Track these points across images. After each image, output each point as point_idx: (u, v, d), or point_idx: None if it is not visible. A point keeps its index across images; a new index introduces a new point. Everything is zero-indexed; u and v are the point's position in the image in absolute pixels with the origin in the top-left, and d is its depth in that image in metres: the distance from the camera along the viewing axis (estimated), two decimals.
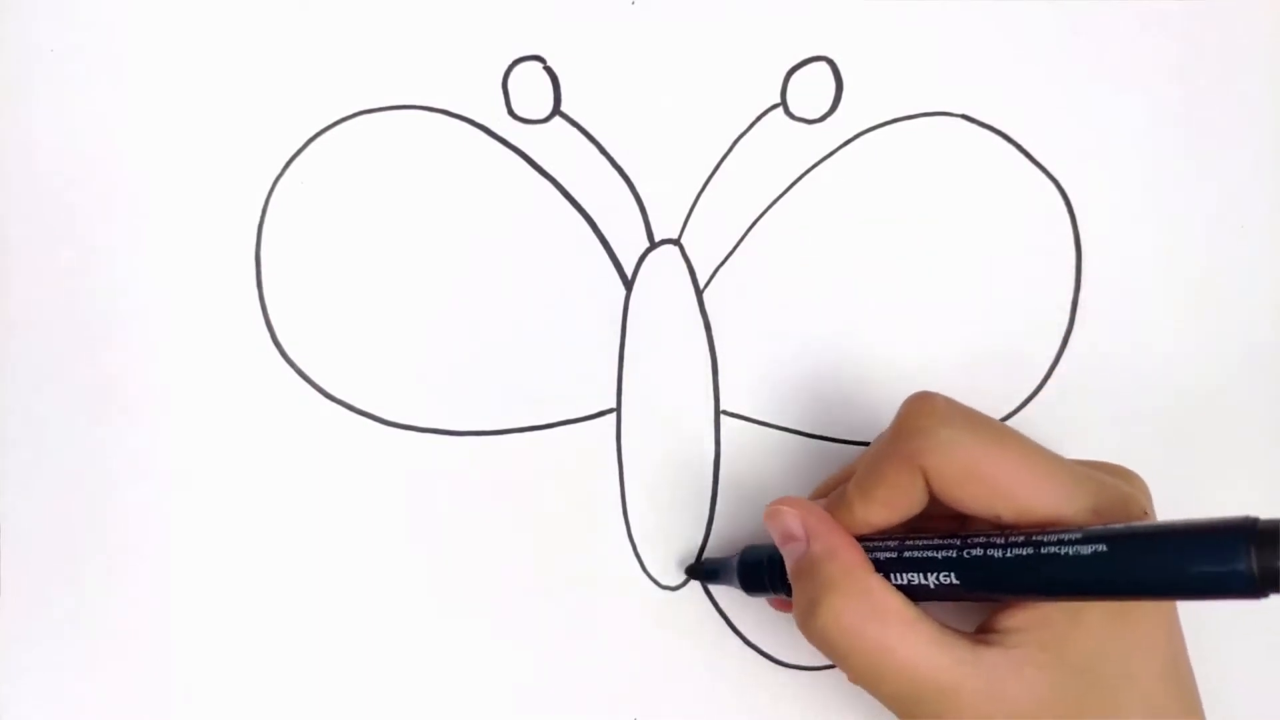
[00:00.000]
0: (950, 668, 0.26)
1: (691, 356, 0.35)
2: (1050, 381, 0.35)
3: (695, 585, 0.35)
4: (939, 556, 0.26)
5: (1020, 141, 0.35)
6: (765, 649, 0.35)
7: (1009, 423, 0.35)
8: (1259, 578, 0.21)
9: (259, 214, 0.35)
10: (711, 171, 0.35)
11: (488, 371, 0.35)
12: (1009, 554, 0.25)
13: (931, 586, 0.27)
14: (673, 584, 0.35)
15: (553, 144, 0.35)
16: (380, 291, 0.35)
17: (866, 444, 0.35)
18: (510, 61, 0.35)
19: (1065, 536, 0.24)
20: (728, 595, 0.35)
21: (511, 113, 0.35)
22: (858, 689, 0.33)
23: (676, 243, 0.35)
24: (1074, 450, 0.35)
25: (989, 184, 0.35)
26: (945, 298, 0.35)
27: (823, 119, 0.35)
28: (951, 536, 0.27)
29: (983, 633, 0.27)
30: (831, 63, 0.35)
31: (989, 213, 0.35)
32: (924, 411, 0.27)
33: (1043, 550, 0.25)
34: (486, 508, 0.35)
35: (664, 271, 0.35)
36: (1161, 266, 0.35)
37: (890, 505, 0.28)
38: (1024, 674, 0.26)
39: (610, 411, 0.35)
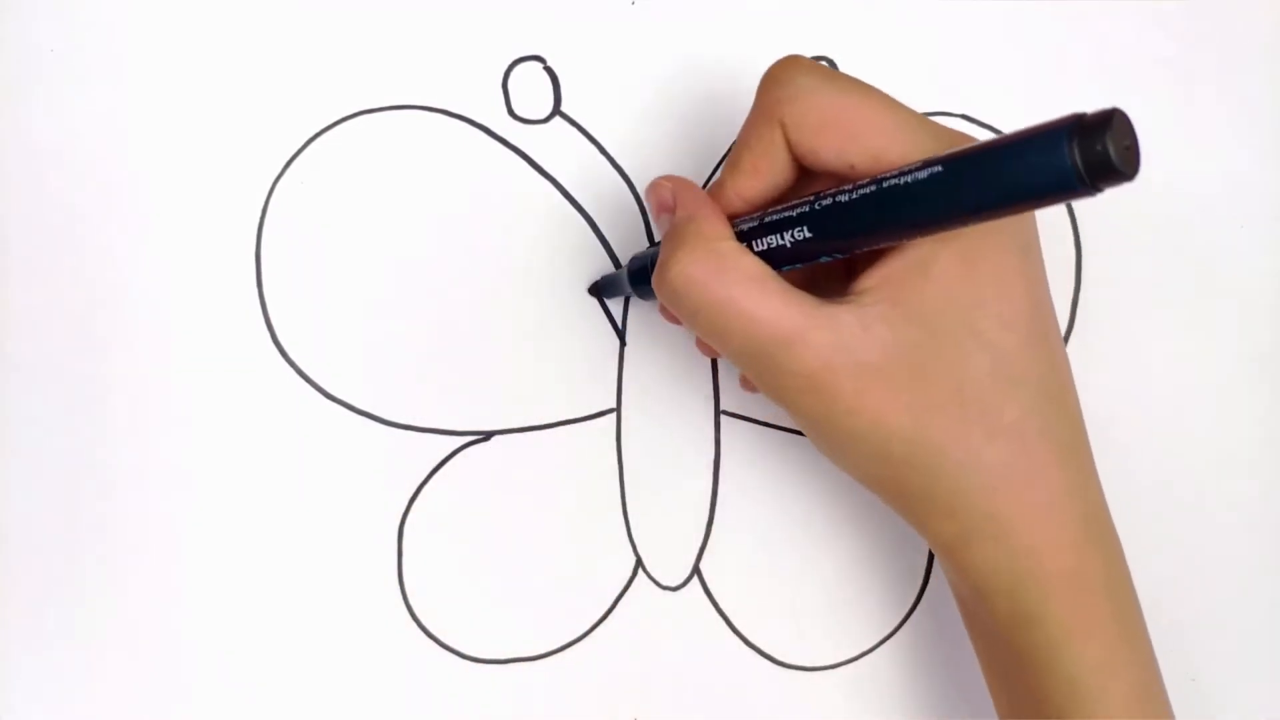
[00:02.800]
0: (795, 319, 0.26)
1: (691, 356, 0.35)
2: None
3: (695, 585, 0.35)
4: (794, 214, 0.26)
5: None
6: (765, 649, 0.35)
7: None
8: (1084, 169, 0.20)
9: (259, 214, 0.35)
10: (712, 171, 0.35)
11: (488, 371, 0.35)
12: (856, 195, 0.25)
13: (789, 245, 0.27)
14: (673, 584, 0.35)
15: (553, 144, 0.35)
16: (380, 291, 0.35)
17: None
18: (510, 61, 0.35)
19: (906, 168, 0.24)
20: (728, 595, 0.35)
21: (511, 113, 0.35)
22: (858, 689, 0.33)
23: None
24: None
25: None
26: None
27: None
28: (809, 196, 0.27)
29: (838, 300, 0.27)
30: (831, 63, 0.35)
31: None
32: (783, 67, 0.28)
33: (885, 185, 0.24)
34: (487, 507, 0.35)
35: None
36: (1161, 266, 0.35)
37: (756, 172, 0.28)
38: (873, 329, 0.26)
39: (610, 411, 0.35)
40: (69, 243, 0.34)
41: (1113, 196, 0.35)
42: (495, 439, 0.35)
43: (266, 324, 0.35)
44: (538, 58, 0.35)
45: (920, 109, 0.35)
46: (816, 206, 0.26)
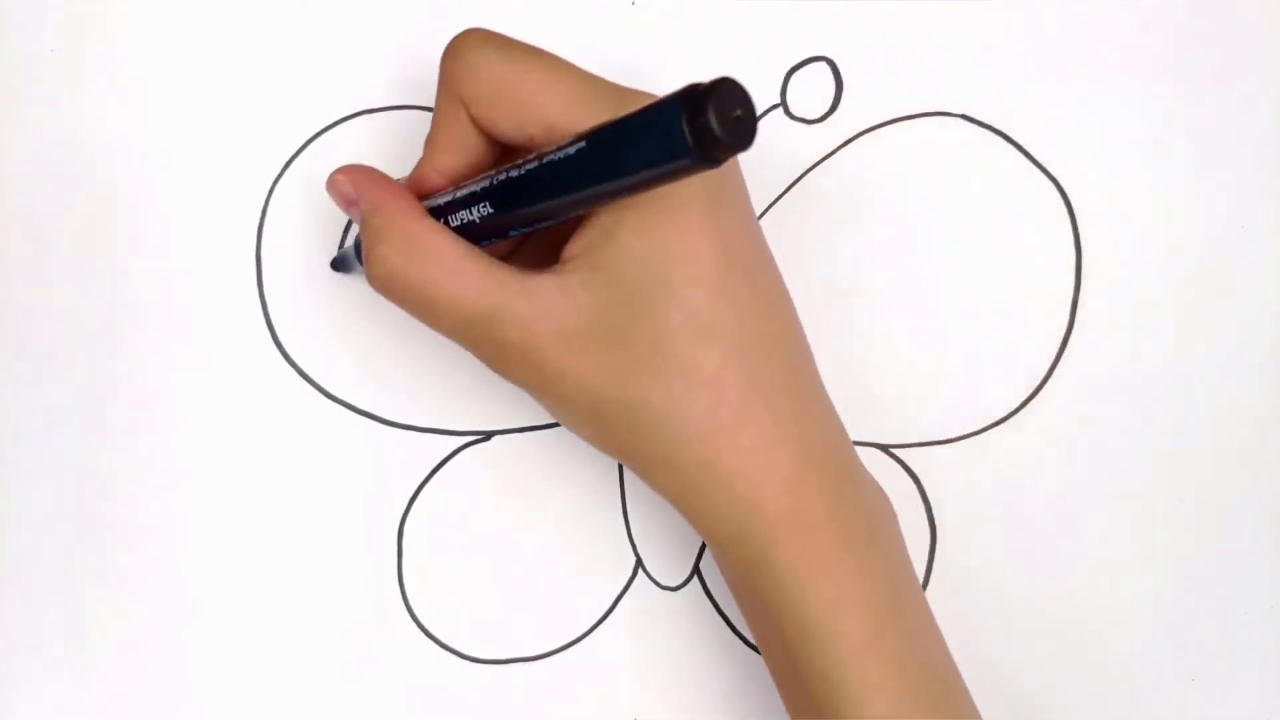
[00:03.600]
0: (496, 292, 0.27)
1: None
2: (1050, 381, 0.35)
3: (695, 585, 0.35)
4: (478, 189, 0.27)
5: (1020, 141, 0.35)
6: None
7: (1008, 423, 0.35)
8: (691, 141, 0.20)
9: (259, 214, 0.35)
10: None
11: (488, 371, 0.35)
12: (523, 170, 0.25)
13: (478, 221, 0.27)
14: (673, 584, 0.35)
15: None
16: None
17: (866, 443, 0.35)
18: None
19: (563, 143, 0.24)
20: (728, 595, 0.35)
21: None
22: None
23: None
24: (1078, 450, 0.35)
25: (989, 184, 0.35)
26: (945, 298, 0.35)
27: (823, 119, 0.35)
28: (493, 170, 0.27)
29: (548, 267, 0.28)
30: (831, 63, 0.35)
31: (989, 213, 0.35)
32: (459, 41, 0.28)
33: (544, 160, 0.25)
34: (487, 507, 0.35)
35: None
36: (1162, 267, 0.35)
37: (447, 148, 0.28)
38: (574, 295, 0.27)
39: None
40: (69, 242, 0.34)
41: (1113, 197, 0.35)
42: (495, 439, 0.35)
43: (267, 324, 0.35)
44: None
45: (920, 109, 0.35)
46: (494, 182, 0.26)
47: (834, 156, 0.35)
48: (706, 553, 0.35)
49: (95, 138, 0.34)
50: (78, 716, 0.34)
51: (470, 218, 0.27)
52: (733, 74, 0.21)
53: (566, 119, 0.27)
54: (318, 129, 0.35)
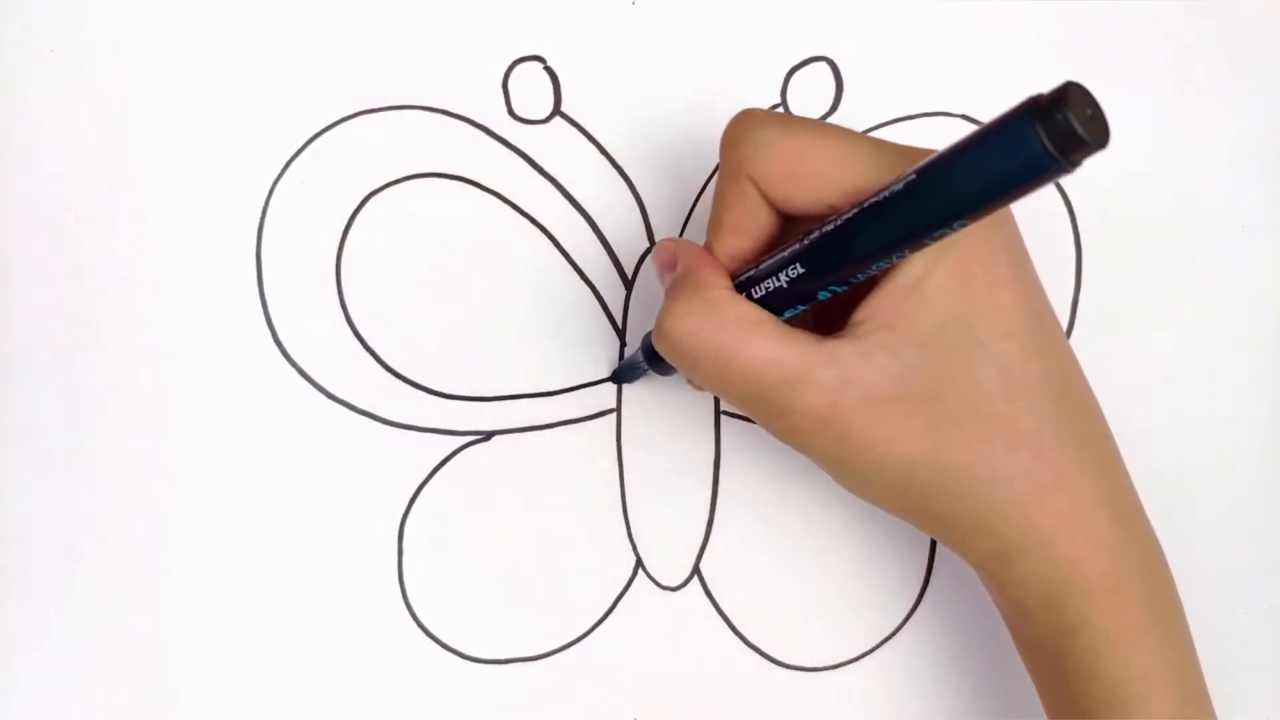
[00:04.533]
0: (795, 358, 0.26)
1: None
2: None
3: (695, 585, 0.35)
4: (785, 254, 0.26)
5: None
6: (765, 649, 0.35)
7: None
8: (1052, 147, 0.20)
9: (259, 214, 0.35)
10: (712, 171, 0.35)
11: (487, 371, 0.35)
12: (839, 222, 0.25)
13: (785, 286, 0.26)
14: (673, 584, 0.35)
15: (553, 144, 0.35)
16: (380, 291, 0.35)
17: None
18: (510, 61, 0.35)
19: (883, 187, 0.24)
20: (728, 595, 0.35)
21: (511, 113, 0.35)
22: (858, 690, 0.33)
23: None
24: None
25: None
26: None
27: (823, 119, 0.35)
28: (797, 238, 0.27)
29: (836, 336, 0.27)
30: (831, 63, 0.35)
31: None
32: (740, 122, 0.28)
33: (866, 205, 0.24)
34: (487, 507, 0.35)
35: None
36: (1161, 267, 0.35)
37: (737, 229, 0.28)
38: (874, 358, 0.26)
39: (610, 411, 0.35)
40: (69, 242, 0.34)
41: (1113, 197, 0.35)
42: (495, 439, 0.35)
43: (267, 324, 0.35)
44: (538, 58, 0.35)
45: (920, 109, 0.35)
46: (805, 242, 0.26)
47: None
48: (706, 553, 0.35)
49: (95, 138, 0.34)
50: (78, 716, 0.34)
51: (777, 284, 0.27)
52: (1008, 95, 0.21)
53: (865, 180, 0.26)
54: (318, 129, 0.35)
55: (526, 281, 0.35)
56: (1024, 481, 0.26)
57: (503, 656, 0.35)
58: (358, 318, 0.35)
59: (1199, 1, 0.35)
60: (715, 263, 0.28)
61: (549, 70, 0.35)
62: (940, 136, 0.35)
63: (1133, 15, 0.35)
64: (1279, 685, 0.35)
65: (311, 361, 0.35)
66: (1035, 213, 0.35)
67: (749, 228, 0.28)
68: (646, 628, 0.35)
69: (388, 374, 0.35)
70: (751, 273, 0.28)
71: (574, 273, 0.35)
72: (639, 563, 0.35)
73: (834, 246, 0.25)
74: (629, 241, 0.35)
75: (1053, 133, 0.20)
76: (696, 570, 0.35)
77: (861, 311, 0.26)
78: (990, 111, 0.36)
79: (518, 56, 0.35)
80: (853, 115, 0.35)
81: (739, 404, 0.27)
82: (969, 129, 0.35)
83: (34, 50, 0.34)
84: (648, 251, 0.35)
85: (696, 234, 0.35)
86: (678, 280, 0.28)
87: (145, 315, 0.34)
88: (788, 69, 0.35)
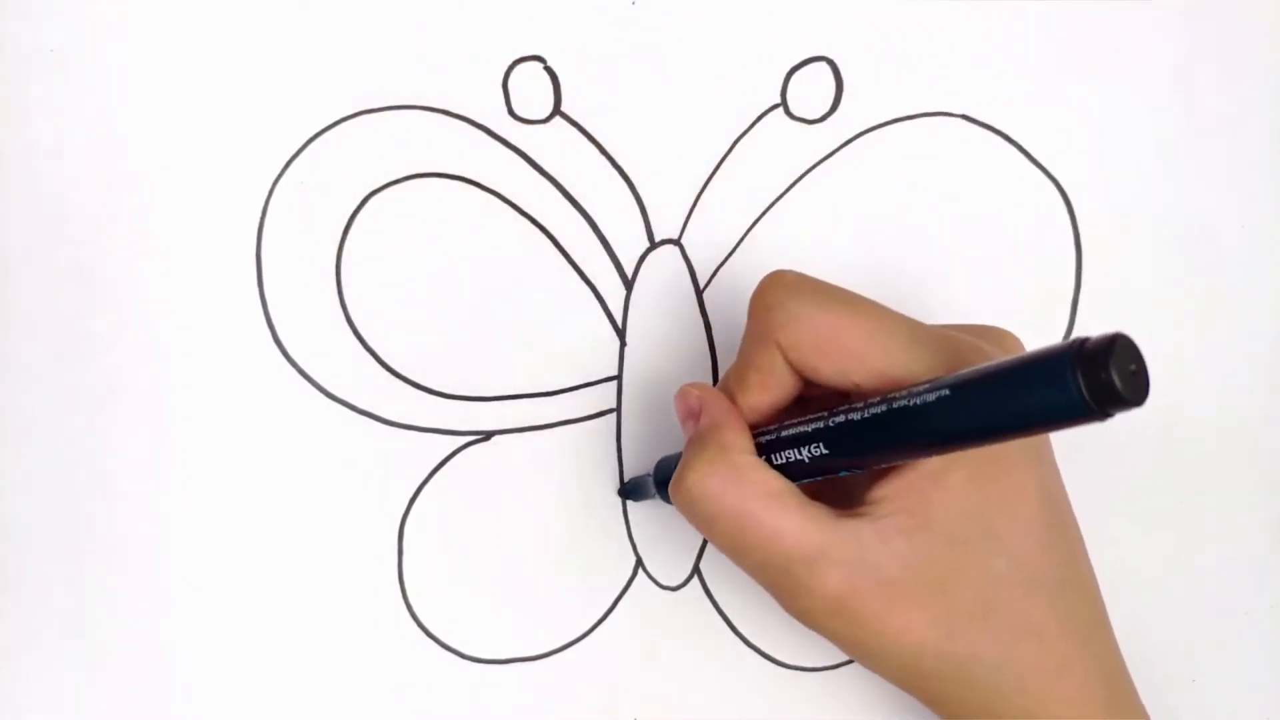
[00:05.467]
0: (816, 535, 0.26)
1: (691, 356, 0.35)
2: None
3: (695, 585, 0.35)
4: (809, 430, 0.27)
5: (1020, 141, 0.35)
6: (765, 649, 0.35)
7: None
8: (1090, 399, 0.20)
9: (259, 214, 0.35)
10: (711, 172, 0.35)
11: (487, 371, 0.35)
12: (867, 414, 0.25)
13: (806, 461, 0.27)
14: (673, 584, 0.35)
15: (553, 144, 0.35)
16: (380, 291, 0.35)
17: None
18: (510, 61, 0.35)
19: (914, 389, 0.24)
20: (728, 595, 0.35)
21: (511, 113, 0.35)
22: (858, 690, 0.33)
23: (676, 243, 0.35)
24: (1077, 451, 0.35)
25: (989, 184, 0.35)
26: (945, 297, 0.35)
27: (823, 119, 0.35)
28: (823, 411, 0.27)
29: (853, 509, 0.27)
30: (831, 63, 0.35)
31: (989, 213, 0.35)
32: (773, 288, 0.28)
33: (894, 405, 0.25)
34: (487, 507, 0.35)
35: (664, 271, 0.35)
36: (1161, 267, 0.35)
37: (762, 387, 0.28)
38: (891, 541, 0.26)
39: (610, 411, 0.35)
40: (69, 242, 0.34)
41: (1113, 197, 0.35)
42: (495, 439, 0.35)
43: (267, 324, 0.35)
44: (538, 58, 0.35)
45: (920, 109, 0.35)
46: (830, 424, 0.26)
47: (834, 156, 0.35)
48: (706, 552, 0.35)
49: (95, 138, 0.34)
50: (78, 716, 0.34)
51: (798, 456, 0.27)
52: (1123, 329, 0.21)
53: (895, 365, 0.26)
54: (318, 129, 0.35)
55: (526, 281, 0.35)
56: (1027, 669, 0.26)
57: (503, 656, 0.35)
58: (358, 318, 0.35)
59: (1199, 2, 0.35)
60: (740, 422, 0.28)
61: (549, 70, 0.35)
62: (940, 136, 0.35)
63: (1133, 15, 0.35)
64: (1279, 685, 0.35)
65: (311, 361, 0.35)
66: (1036, 212, 0.35)
67: (773, 389, 0.28)
68: (646, 628, 0.35)
69: (388, 374, 0.35)
70: (773, 437, 0.28)
71: (574, 273, 0.35)
72: (639, 563, 0.35)
73: (861, 436, 0.25)
74: (629, 241, 0.35)
75: (1093, 384, 0.20)
76: (696, 570, 0.35)
77: (881, 489, 0.26)
78: (989, 111, 0.36)
79: (518, 56, 0.35)
80: (853, 115, 0.35)
81: (752, 572, 0.27)
82: (969, 129, 0.35)
83: (34, 50, 0.34)
84: (648, 251, 0.35)
85: (696, 237, 0.35)
86: (702, 436, 0.28)
87: (145, 315, 0.34)
88: (788, 69, 0.35)
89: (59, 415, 0.34)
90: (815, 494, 0.27)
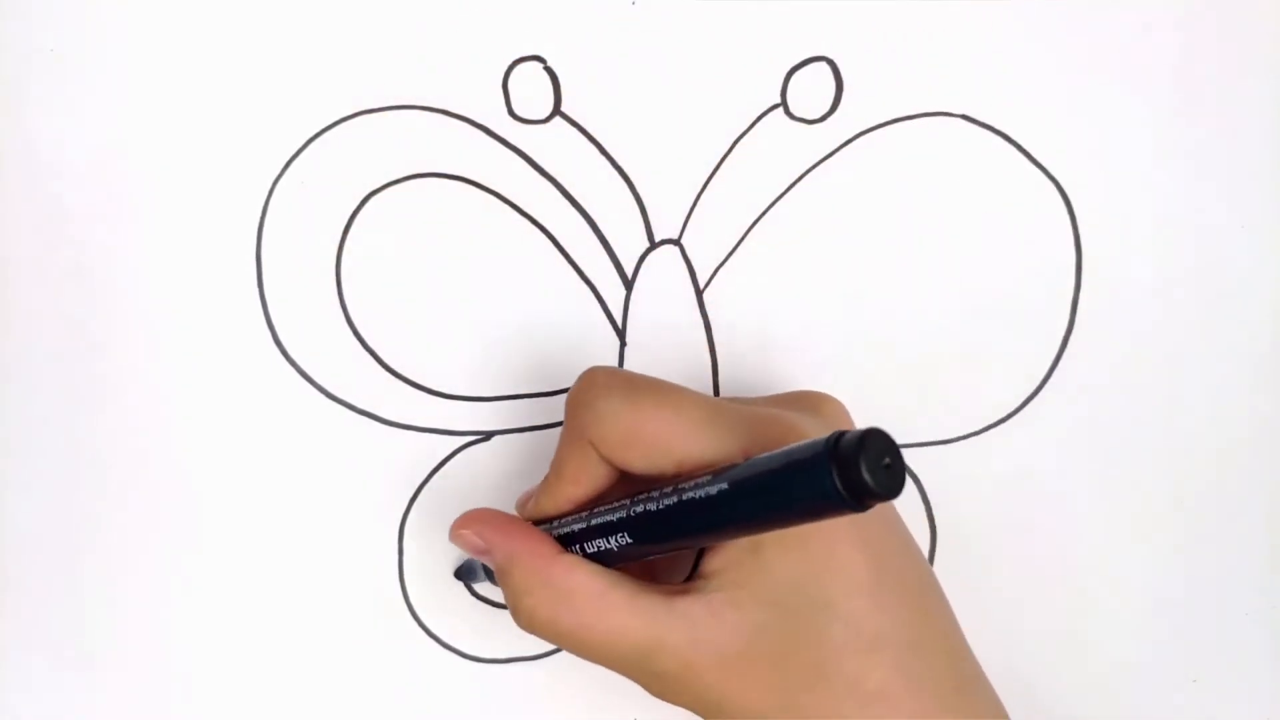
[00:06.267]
0: (647, 628, 0.26)
1: (691, 356, 0.35)
2: (1050, 381, 0.35)
3: None
4: (614, 519, 0.27)
5: (1020, 141, 0.35)
6: None
7: (1008, 423, 0.35)
8: (846, 493, 0.21)
9: (259, 214, 0.35)
10: (711, 172, 0.35)
11: (487, 371, 0.35)
12: (661, 505, 0.26)
13: (615, 550, 0.27)
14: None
15: (553, 144, 0.35)
16: (380, 292, 0.35)
17: None
18: (510, 61, 0.35)
19: (700, 480, 0.25)
20: None
21: (511, 113, 0.35)
22: None
23: (676, 243, 0.35)
24: (1078, 450, 0.35)
25: (989, 184, 0.35)
26: (945, 298, 0.35)
27: (823, 119, 0.35)
28: (625, 498, 0.27)
29: (688, 582, 0.28)
30: (831, 63, 0.35)
31: (989, 213, 0.35)
32: (585, 387, 0.28)
33: (684, 497, 0.25)
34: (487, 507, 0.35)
35: (664, 271, 0.35)
36: (1161, 266, 0.35)
37: (577, 481, 0.29)
38: (724, 616, 0.26)
39: None
40: (69, 243, 0.34)
41: (1113, 197, 0.35)
42: (495, 439, 0.35)
43: (267, 324, 0.35)
44: (538, 58, 0.35)
45: (920, 109, 0.35)
46: (631, 514, 0.27)
47: (834, 156, 0.35)
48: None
49: (95, 137, 0.34)
50: (78, 716, 0.34)
51: (608, 546, 0.27)
52: (879, 425, 0.22)
53: (697, 452, 0.27)
54: (318, 129, 0.35)
55: (526, 281, 0.35)
56: None
57: (503, 656, 0.35)
58: (358, 318, 0.35)
59: (1199, 2, 0.35)
60: (533, 536, 0.29)
61: (549, 70, 0.35)
62: (940, 136, 0.35)
63: (1133, 15, 0.35)
64: (1279, 685, 0.35)
65: (311, 361, 0.35)
66: (1035, 213, 0.35)
67: (586, 482, 0.29)
68: None
69: (388, 374, 0.35)
70: (583, 525, 0.28)
71: (574, 273, 0.35)
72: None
73: (659, 525, 0.26)
74: (629, 241, 0.35)
75: (848, 481, 0.21)
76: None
77: (711, 562, 0.27)
78: (989, 111, 0.36)
79: (518, 56, 0.35)
80: (853, 115, 0.35)
81: (608, 668, 0.28)
82: (969, 129, 0.35)
83: (34, 50, 0.34)
84: (648, 251, 0.35)
85: (698, 237, 0.35)
86: (507, 572, 0.28)
87: (145, 315, 0.34)
88: (788, 69, 0.35)
89: (59, 416, 0.34)
90: (652, 563, 0.28)
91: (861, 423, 0.34)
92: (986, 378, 0.35)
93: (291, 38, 0.35)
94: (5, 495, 0.34)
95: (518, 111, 0.35)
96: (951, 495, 0.35)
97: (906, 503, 0.34)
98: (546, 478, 0.30)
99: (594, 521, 0.28)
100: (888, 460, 0.21)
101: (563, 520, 0.29)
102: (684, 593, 0.27)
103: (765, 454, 0.24)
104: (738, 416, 0.27)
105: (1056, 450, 0.35)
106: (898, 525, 0.29)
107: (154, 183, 0.34)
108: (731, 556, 0.27)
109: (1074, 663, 0.35)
